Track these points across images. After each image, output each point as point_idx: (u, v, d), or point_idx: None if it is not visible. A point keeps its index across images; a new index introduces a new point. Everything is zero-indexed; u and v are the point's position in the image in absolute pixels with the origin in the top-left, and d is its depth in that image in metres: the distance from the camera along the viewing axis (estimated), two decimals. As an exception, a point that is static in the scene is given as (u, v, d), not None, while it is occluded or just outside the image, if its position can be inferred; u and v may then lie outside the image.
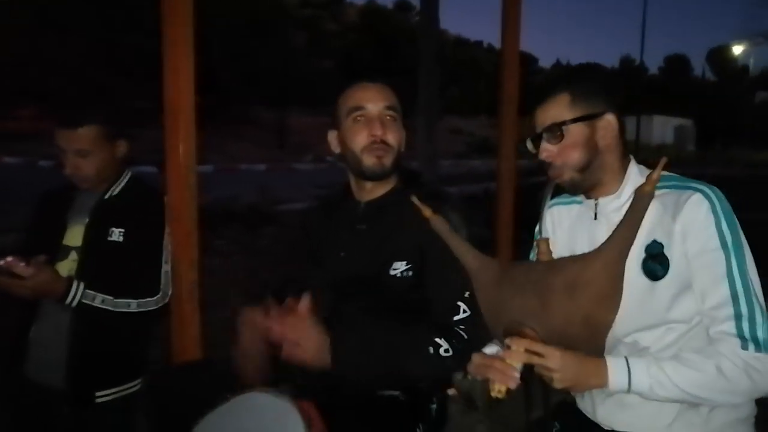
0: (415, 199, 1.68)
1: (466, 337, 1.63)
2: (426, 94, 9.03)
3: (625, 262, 1.44)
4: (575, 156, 1.52)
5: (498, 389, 1.35)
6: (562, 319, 1.41)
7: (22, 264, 1.89)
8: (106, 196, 2.21)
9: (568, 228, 1.68)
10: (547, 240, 1.62)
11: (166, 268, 2.21)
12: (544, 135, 1.55)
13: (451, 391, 1.45)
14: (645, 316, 1.45)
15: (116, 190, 2.23)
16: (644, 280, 1.45)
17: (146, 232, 2.20)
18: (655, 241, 1.44)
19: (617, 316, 1.45)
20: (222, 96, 23.41)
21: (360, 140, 1.77)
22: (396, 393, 1.71)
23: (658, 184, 1.46)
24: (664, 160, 1.46)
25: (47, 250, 2.09)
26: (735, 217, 1.41)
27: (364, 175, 1.80)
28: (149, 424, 1.81)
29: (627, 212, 1.46)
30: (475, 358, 1.45)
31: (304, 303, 1.57)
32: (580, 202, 1.68)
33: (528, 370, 1.37)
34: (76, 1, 21.96)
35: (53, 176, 2.34)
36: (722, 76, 58.83)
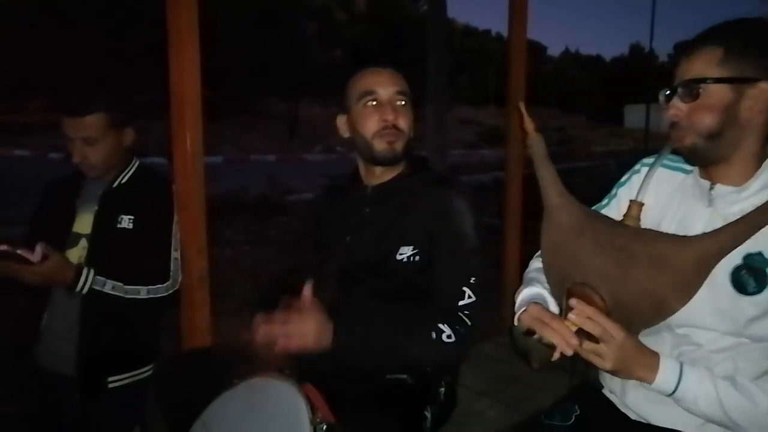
0: (521, 106, 1.53)
1: (470, 323, 1.62)
2: (435, 83, 9.00)
3: (718, 261, 1.28)
4: (707, 120, 1.29)
5: (559, 352, 1.24)
6: (635, 295, 1.31)
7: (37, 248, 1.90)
8: (115, 184, 2.22)
9: (665, 196, 1.48)
10: (641, 205, 1.45)
11: (175, 255, 2.22)
12: (679, 90, 1.33)
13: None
14: (713, 321, 1.32)
15: (125, 178, 2.24)
16: (728, 288, 1.29)
17: (156, 219, 2.21)
18: (761, 254, 1.26)
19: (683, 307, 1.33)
20: (234, 88, 23.43)
21: (371, 125, 1.77)
22: (404, 376, 1.72)
23: None
24: None
25: (57, 238, 2.11)
26: None
27: (375, 160, 1.81)
28: (158, 409, 1.83)
29: (753, 211, 1.26)
30: (533, 309, 1.32)
31: (307, 291, 1.56)
32: (686, 172, 1.48)
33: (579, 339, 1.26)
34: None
35: (62, 168, 2.35)
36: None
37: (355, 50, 28.08)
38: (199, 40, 2.28)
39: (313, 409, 1.45)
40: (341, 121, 1.88)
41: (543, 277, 1.56)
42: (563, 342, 1.24)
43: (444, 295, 1.67)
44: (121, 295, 2.06)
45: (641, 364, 1.29)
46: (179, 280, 2.23)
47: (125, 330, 2.17)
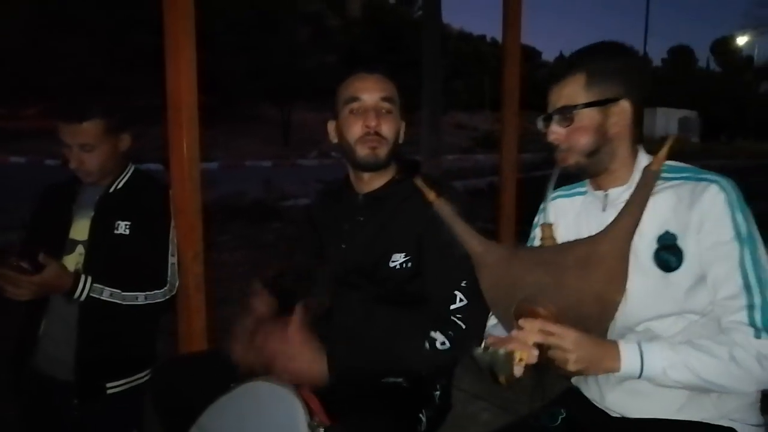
0: (419, 182, 1.67)
1: (463, 326, 1.64)
2: (430, 87, 9.04)
3: (630, 243, 1.42)
4: (583, 141, 1.48)
5: (519, 358, 1.29)
6: (576, 296, 1.40)
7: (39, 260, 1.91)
8: (111, 190, 2.23)
9: (573, 220, 1.65)
10: (551, 225, 1.59)
11: (172, 260, 2.22)
12: (554, 117, 1.51)
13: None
14: (659, 306, 1.44)
15: (120, 183, 2.25)
16: (657, 271, 1.43)
17: (152, 225, 2.21)
18: (668, 232, 1.42)
19: (630, 306, 1.44)
20: (227, 94, 23.40)
21: (355, 131, 1.78)
22: (399, 380, 1.73)
23: (672, 175, 1.44)
24: (670, 139, 1.42)
25: (53, 244, 2.12)
26: (748, 208, 1.40)
27: (359, 166, 1.82)
28: (155, 414, 1.83)
29: (633, 191, 1.44)
30: (490, 339, 1.38)
31: (297, 316, 1.58)
32: (582, 193, 1.66)
33: (540, 353, 1.32)
34: (79, -2, 21.96)
35: (59, 174, 2.36)
36: (727, 67, 58.47)
37: (349, 55, 28.04)
38: (195, 49, 2.29)
39: (310, 413, 1.46)
40: (331, 127, 1.89)
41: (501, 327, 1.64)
42: (524, 346, 1.30)
43: (436, 299, 1.69)
44: (119, 302, 2.06)
45: (603, 356, 1.36)
46: (176, 285, 2.23)
47: (123, 335, 2.18)
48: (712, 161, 15.31)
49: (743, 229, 1.37)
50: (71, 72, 17.63)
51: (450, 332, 1.62)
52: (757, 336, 1.32)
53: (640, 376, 1.36)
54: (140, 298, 2.11)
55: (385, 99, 1.80)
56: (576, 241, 1.51)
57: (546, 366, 1.35)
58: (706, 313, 1.42)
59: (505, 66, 3.56)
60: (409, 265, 1.73)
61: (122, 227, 2.15)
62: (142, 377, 2.22)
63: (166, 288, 2.18)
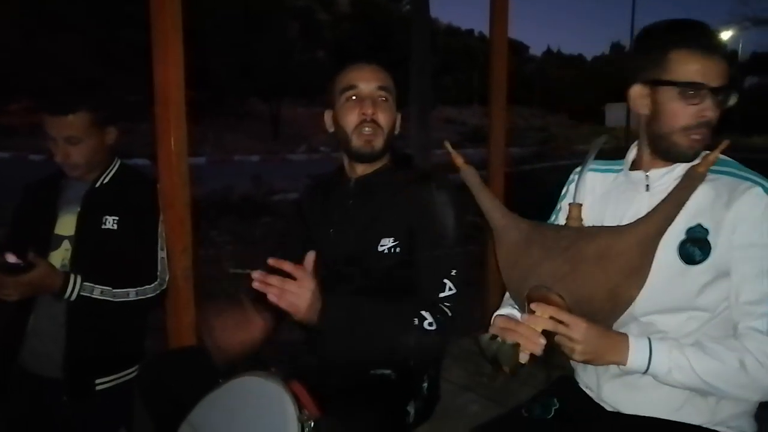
0: (447, 145, 1.64)
1: (450, 314, 1.66)
2: (419, 82, 9.04)
3: (659, 240, 1.40)
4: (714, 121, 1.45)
5: (524, 353, 1.29)
6: (590, 288, 1.37)
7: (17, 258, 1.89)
8: (97, 185, 2.21)
9: (600, 198, 1.62)
10: (580, 206, 1.55)
11: (162, 254, 2.21)
12: (720, 95, 1.41)
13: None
14: (670, 298, 1.42)
15: (107, 178, 2.23)
16: (678, 263, 1.40)
17: (141, 219, 2.20)
18: (700, 225, 1.40)
19: (640, 294, 1.41)
20: (217, 90, 23.28)
21: (351, 119, 1.80)
22: (387, 372, 1.74)
23: (714, 168, 1.40)
24: (725, 144, 1.38)
25: (38, 240, 2.11)
26: None
27: (354, 156, 1.84)
28: (145, 409, 1.82)
29: (674, 189, 1.40)
30: (499, 320, 1.38)
31: (310, 258, 1.56)
32: (616, 171, 1.64)
33: (548, 338, 1.31)
34: (67, -5, 21.77)
35: (44, 170, 2.34)
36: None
37: (338, 50, 27.97)
38: (182, 44, 2.28)
39: (300, 406, 1.46)
40: (328, 116, 1.90)
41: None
42: (530, 342, 1.29)
43: (426, 287, 1.70)
44: (110, 299, 2.05)
45: (611, 348, 1.35)
46: (166, 279, 2.22)
47: (112, 331, 2.16)
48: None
49: None
50: (58, 68, 17.47)
51: (438, 316, 1.64)
52: None
53: (645, 372, 1.35)
54: (131, 294, 2.10)
55: (381, 88, 1.82)
56: (600, 229, 1.48)
57: (552, 349, 1.34)
58: (717, 314, 1.41)
59: (493, 60, 3.56)
60: (398, 250, 1.74)
61: (110, 222, 2.14)
62: (132, 373, 2.21)
63: (156, 283, 2.17)
